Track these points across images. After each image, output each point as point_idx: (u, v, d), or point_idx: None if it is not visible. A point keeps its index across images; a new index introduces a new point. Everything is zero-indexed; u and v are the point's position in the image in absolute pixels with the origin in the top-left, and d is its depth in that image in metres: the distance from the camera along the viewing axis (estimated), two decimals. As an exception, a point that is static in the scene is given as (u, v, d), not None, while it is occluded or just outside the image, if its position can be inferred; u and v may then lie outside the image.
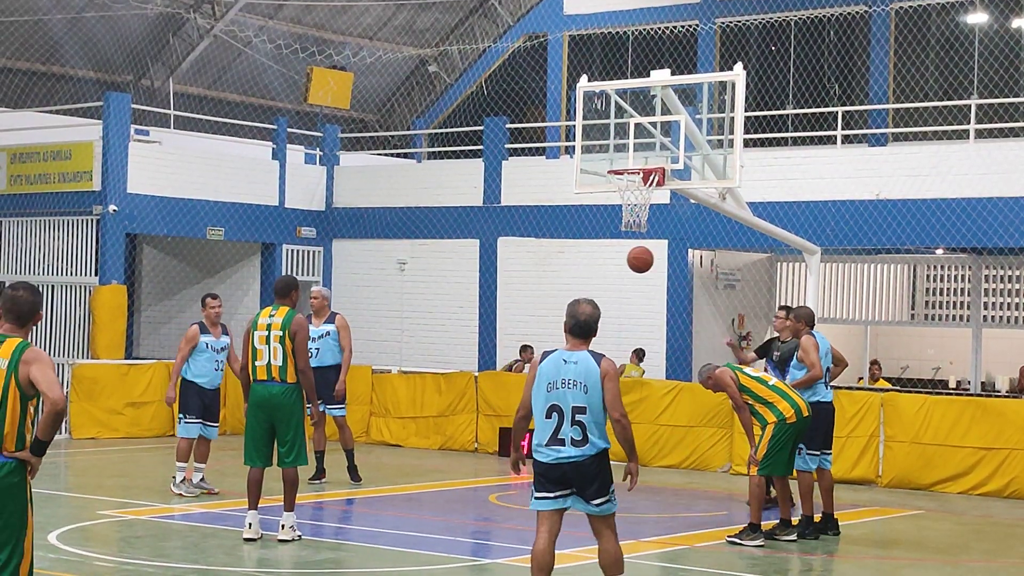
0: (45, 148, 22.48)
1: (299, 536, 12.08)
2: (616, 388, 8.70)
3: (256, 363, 12.08)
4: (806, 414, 12.69)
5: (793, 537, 12.90)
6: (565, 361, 8.71)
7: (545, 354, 8.86)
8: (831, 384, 13.74)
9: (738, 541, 12.60)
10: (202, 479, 14.89)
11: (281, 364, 12.00)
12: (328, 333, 15.94)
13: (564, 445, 8.64)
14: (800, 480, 13.09)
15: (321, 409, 15.90)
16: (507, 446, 19.92)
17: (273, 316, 12.12)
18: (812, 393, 13.12)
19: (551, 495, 8.73)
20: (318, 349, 15.79)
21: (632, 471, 8.87)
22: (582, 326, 8.77)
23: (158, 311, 25.40)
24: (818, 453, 13.20)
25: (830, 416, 13.42)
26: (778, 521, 13.04)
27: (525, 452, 9.51)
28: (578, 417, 8.62)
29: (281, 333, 12.00)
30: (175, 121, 25.12)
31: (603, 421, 8.69)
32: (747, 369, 13.16)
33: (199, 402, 14.82)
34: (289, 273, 24.32)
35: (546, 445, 8.68)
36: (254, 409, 12.08)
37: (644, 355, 21.11)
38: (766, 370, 14.42)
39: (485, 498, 15.72)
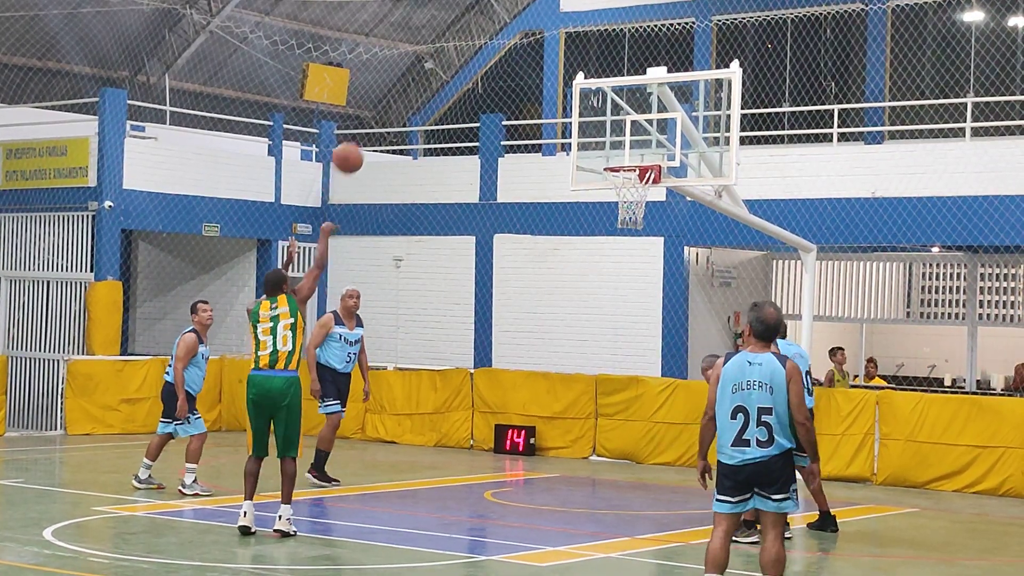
0: (41, 144, 22.45)
1: (295, 531, 12.07)
2: (801, 391, 8.85)
3: (259, 353, 12.13)
4: None
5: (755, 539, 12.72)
6: (750, 363, 8.86)
7: (728, 356, 9.02)
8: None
9: (734, 539, 12.56)
10: (149, 476, 14.90)
11: (291, 350, 12.06)
12: (362, 338, 15.93)
13: (749, 446, 8.77)
14: None
15: (340, 410, 15.85)
16: (503, 443, 19.94)
17: (276, 307, 12.19)
18: None
19: (732, 500, 8.87)
20: (354, 355, 15.80)
21: (815, 472, 9.07)
22: (771, 329, 8.95)
23: (154, 307, 25.39)
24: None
25: None
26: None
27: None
28: (764, 418, 8.75)
29: (292, 320, 12.09)
30: (171, 117, 25.10)
31: (788, 422, 8.81)
32: None
33: (190, 404, 14.81)
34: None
35: (731, 446, 8.81)
36: (256, 400, 12.11)
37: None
38: None
39: (480, 495, 15.72)
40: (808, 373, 13.26)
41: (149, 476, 14.89)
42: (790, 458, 8.87)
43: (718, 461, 8.93)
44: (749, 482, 8.81)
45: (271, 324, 12.14)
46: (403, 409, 21.11)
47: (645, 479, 17.40)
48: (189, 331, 14.74)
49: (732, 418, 8.81)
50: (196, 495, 14.41)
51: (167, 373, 14.88)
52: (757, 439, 8.76)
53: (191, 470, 14.60)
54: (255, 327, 12.23)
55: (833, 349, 21.12)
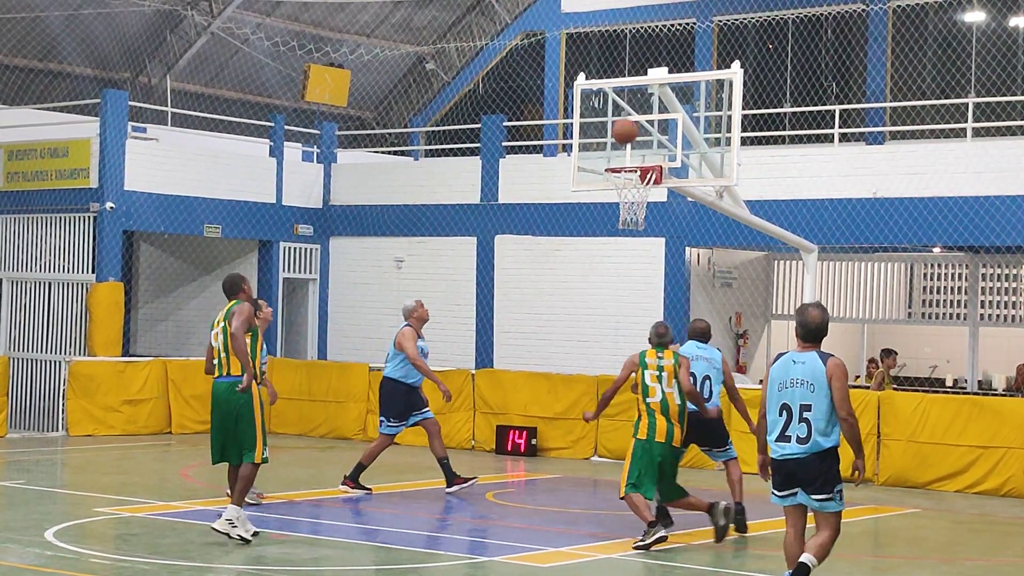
0: (42, 145, 22.46)
1: (241, 536, 11.66)
2: (844, 388, 9.15)
3: (212, 360, 12.08)
4: (657, 439, 12.26)
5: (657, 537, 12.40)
6: (794, 362, 9.26)
7: (778, 356, 9.45)
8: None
9: (643, 542, 12.32)
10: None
11: (226, 355, 11.91)
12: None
13: (789, 442, 9.20)
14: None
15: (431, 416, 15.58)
16: (504, 444, 19.94)
17: (222, 312, 12.13)
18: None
19: (780, 493, 9.35)
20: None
21: (859, 467, 9.35)
22: (812, 332, 9.31)
23: (155, 308, 25.39)
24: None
25: (706, 423, 12.98)
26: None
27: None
28: (804, 415, 9.15)
29: (224, 323, 11.94)
30: (172, 118, 25.10)
31: (829, 420, 9.17)
32: (649, 373, 12.44)
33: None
34: (286, 271, 24.34)
35: (776, 441, 9.27)
36: (212, 406, 12.07)
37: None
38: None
39: (482, 496, 15.71)
40: (708, 378, 13.08)
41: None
42: (831, 458, 9.21)
43: (770, 456, 9.35)
44: (792, 477, 9.21)
45: (217, 330, 12.02)
46: (404, 410, 21.08)
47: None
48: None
49: (778, 415, 9.22)
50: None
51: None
52: (797, 436, 9.15)
53: None
54: (210, 334, 12.20)
55: (887, 351, 20.94)
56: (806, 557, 9.16)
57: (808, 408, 9.12)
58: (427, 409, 15.63)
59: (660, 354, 12.60)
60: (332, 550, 11.96)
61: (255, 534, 11.96)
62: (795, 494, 9.26)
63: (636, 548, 12.11)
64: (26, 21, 25.51)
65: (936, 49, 24.78)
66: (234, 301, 12.09)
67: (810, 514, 9.43)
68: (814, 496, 9.21)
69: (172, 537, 12.26)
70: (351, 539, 12.64)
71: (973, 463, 17.00)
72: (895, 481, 17.39)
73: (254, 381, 11.91)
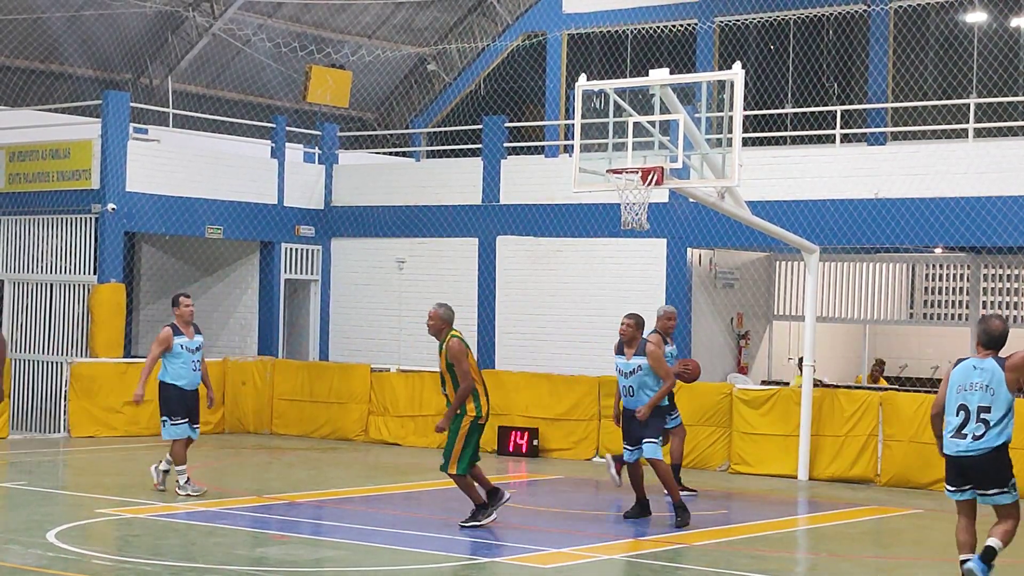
0: (44, 146, 22.46)
1: None
2: None
3: None
4: (486, 418, 13.59)
5: (493, 518, 13.31)
6: (975, 367, 10.05)
7: (959, 360, 10.25)
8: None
9: (472, 523, 13.19)
10: (187, 480, 14.83)
11: None
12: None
13: (965, 439, 9.92)
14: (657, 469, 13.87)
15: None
16: (506, 445, 19.94)
17: None
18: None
19: (954, 488, 10.10)
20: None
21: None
22: (994, 339, 10.09)
23: (157, 309, 25.38)
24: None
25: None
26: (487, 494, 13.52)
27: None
28: (982, 416, 9.89)
29: None
30: (174, 119, 25.11)
31: (1003, 421, 9.86)
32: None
33: (183, 404, 14.67)
34: (287, 272, 24.34)
35: (951, 438, 9.99)
36: None
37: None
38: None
39: (483, 496, 15.69)
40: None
41: (187, 480, 14.75)
42: (1002, 454, 9.87)
43: (944, 453, 10.07)
44: (965, 474, 9.94)
45: None
46: (406, 411, 21.11)
47: (648, 481, 17.38)
48: (167, 325, 14.84)
49: (956, 415, 9.96)
50: (188, 495, 14.40)
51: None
52: (973, 434, 9.87)
53: (181, 471, 14.66)
54: None
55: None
56: (992, 541, 9.88)
57: (987, 410, 9.83)
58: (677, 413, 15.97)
59: None
60: (333, 551, 11.96)
61: None
62: (967, 490, 9.98)
63: (463, 526, 13.01)
64: (27, 22, 25.52)
65: (938, 50, 24.78)
66: None
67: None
68: (989, 492, 9.91)
69: (174, 538, 12.27)
70: (352, 540, 12.63)
71: (975, 464, 16.96)
72: (897, 482, 17.38)
73: None
